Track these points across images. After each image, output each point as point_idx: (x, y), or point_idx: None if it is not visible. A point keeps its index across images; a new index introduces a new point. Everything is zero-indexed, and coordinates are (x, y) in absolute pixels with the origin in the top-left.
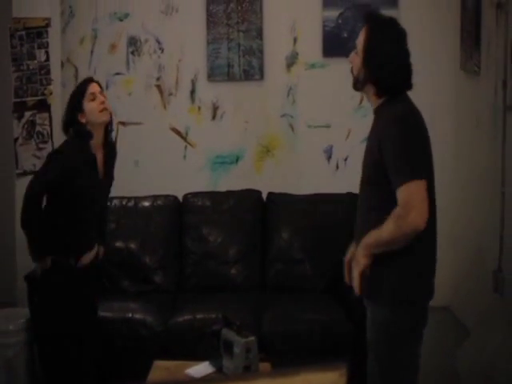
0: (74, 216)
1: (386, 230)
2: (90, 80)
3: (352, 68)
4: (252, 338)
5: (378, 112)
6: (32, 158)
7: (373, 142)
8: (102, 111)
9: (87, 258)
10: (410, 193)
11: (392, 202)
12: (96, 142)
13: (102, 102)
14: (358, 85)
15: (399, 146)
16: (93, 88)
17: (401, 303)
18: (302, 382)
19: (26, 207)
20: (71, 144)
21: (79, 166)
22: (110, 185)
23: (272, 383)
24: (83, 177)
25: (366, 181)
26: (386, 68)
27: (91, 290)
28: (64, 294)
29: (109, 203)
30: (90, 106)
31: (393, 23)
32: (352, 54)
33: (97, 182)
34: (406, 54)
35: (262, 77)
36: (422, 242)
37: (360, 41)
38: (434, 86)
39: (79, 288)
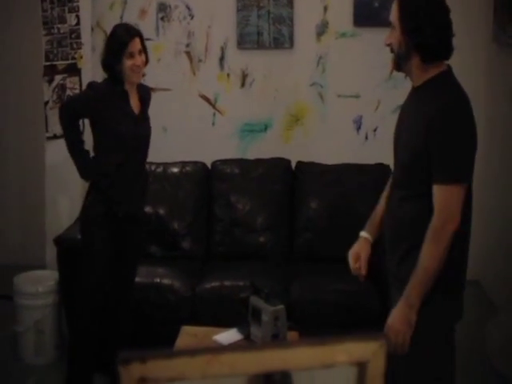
0: (112, 154)
1: (430, 257)
2: (135, 34)
3: (391, 47)
4: (281, 307)
5: (421, 90)
6: None
7: (418, 127)
8: (135, 72)
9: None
10: (449, 197)
11: (428, 192)
12: (130, 88)
13: (138, 66)
14: (400, 61)
15: (454, 142)
16: (134, 46)
17: (438, 298)
18: (342, 351)
19: (60, 118)
20: (106, 80)
21: (109, 97)
22: (149, 125)
23: (311, 352)
24: (116, 109)
25: (401, 168)
26: (427, 27)
27: (128, 240)
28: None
29: None
30: (126, 63)
31: None
32: (388, 34)
33: (130, 115)
34: (446, 11)
35: (291, 45)
36: (458, 240)
37: (394, 14)
38: (466, 59)
39: (113, 233)
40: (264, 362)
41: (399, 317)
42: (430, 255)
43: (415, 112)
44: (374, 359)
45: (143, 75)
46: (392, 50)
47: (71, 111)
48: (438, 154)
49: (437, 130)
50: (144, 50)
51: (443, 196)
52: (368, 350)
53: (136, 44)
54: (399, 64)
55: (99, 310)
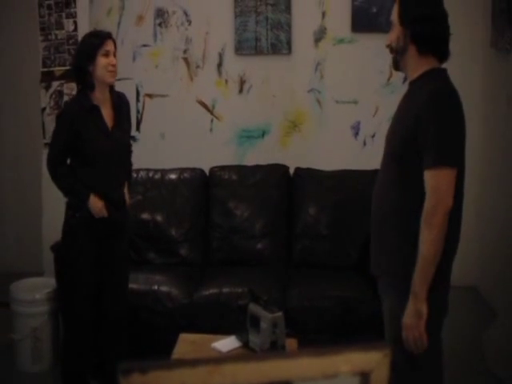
0: (88, 168)
1: (425, 242)
2: (108, 36)
3: (391, 47)
4: (279, 314)
5: (415, 84)
6: None
7: (408, 115)
8: (110, 72)
9: (96, 203)
10: (439, 180)
11: (415, 181)
12: (101, 96)
13: (113, 65)
14: (398, 57)
15: (442, 126)
16: (109, 45)
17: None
18: (345, 361)
19: (52, 175)
20: (73, 101)
21: (82, 118)
22: (125, 135)
23: (314, 362)
24: (88, 128)
25: (390, 155)
26: (424, 19)
27: (111, 247)
28: (81, 246)
29: (135, 174)
30: (101, 61)
31: None
32: (389, 35)
33: (104, 132)
34: (444, 13)
35: (289, 51)
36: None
37: (394, 11)
38: (464, 64)
39: (97, 242)
40: (266, 373)
41: (409, 311)
42: (426, 241)
43: (407, 103)
44: (377, 369)
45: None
46: (391, 50)
47: (58, 156)
48: (427, 138)
49: (426, 115)
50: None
51: (433, 180)
52: (371, 360)
53: (110, 44)
54: (398, 60)
55: (88, 319)
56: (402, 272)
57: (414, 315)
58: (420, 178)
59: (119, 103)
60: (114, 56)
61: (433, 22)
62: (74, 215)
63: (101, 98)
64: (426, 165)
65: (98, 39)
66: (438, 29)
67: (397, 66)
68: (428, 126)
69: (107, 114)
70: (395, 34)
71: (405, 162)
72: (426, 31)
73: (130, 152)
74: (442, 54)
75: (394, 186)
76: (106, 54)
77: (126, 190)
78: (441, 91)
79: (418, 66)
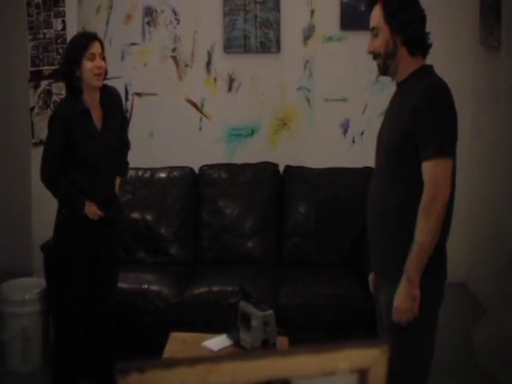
0: (79, 170)
1: (422, 230)
2: (93, 37)
3: (374, 54)
4: (270, 312)
5: (405, 84)
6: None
7: (404, 112)
8: (96, 75)
9: (90, 209)
10: (437, 170)
11: (415, 178)
12: (90, 98)
13: (99, 67)
14: (388, 61)
15: (439, 118)
16: (94, 48)
17: (423, 280)
18: (343, 358)
19: (47, 184)
20: (64, 103)
21: (73, 121)
22: (114, 135)
23: (312, 359)
24: (79, 130)
25: (388, 155)
26: (415, 20)
27: (103, 245)
28: (73, 245)
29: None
30: (86, 65)
31: None
32: (370, 41)
33: (94, 135)
34: (422, 11)
35: (278, 49)
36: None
37: (377, 17)
38: (453, 61)
39: (89, 240)
40: (264, 371)
41: (402, 295)
42: (422, 229)
43: (400, 102)
44: (375, 366)
45: (105, 75)
46: (375, 57)
47: (53, 162)
48: (423, 130)
49: (423, 108)
50: (104, 57)
51: (431, 170)
52: (369, 357)
53: (96, 46)
54: (386, 65)
55: (80, 318)
56: (403, 265)
57: (408, 299)
58: (420, 174)
59: (108, 102)
60: (102, 58)
61: (420, 22)
62: (64, 213)
63: (90, 101)
64: (425, 156)
65: (83, 41)
66: (423, 28)
67: (385, 70)
68: (426, 118)
69: (97, 115)
70: (383, 38)
71: (404, 160)
72: (417, 33)
73: (126, 150)
74: (428, 48)
75: (392, 184)
76: (92, 58)
77: (117, 187)
78: (435, 85)
79: (408, 66)
